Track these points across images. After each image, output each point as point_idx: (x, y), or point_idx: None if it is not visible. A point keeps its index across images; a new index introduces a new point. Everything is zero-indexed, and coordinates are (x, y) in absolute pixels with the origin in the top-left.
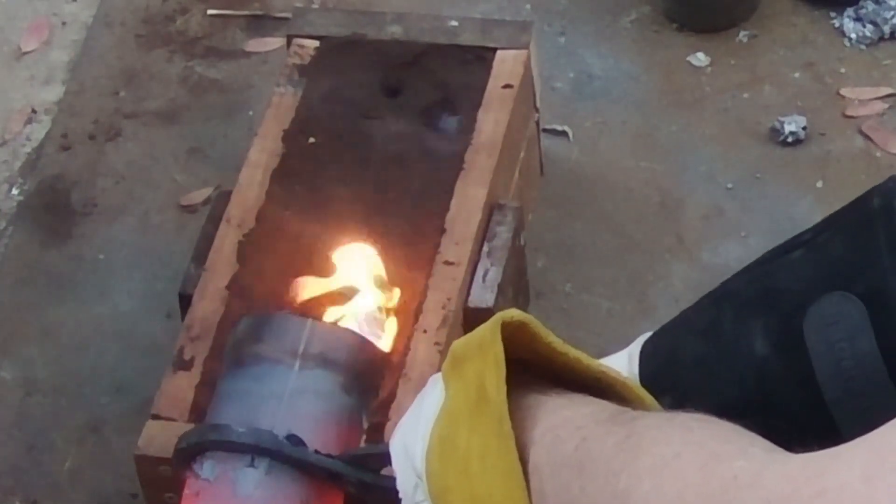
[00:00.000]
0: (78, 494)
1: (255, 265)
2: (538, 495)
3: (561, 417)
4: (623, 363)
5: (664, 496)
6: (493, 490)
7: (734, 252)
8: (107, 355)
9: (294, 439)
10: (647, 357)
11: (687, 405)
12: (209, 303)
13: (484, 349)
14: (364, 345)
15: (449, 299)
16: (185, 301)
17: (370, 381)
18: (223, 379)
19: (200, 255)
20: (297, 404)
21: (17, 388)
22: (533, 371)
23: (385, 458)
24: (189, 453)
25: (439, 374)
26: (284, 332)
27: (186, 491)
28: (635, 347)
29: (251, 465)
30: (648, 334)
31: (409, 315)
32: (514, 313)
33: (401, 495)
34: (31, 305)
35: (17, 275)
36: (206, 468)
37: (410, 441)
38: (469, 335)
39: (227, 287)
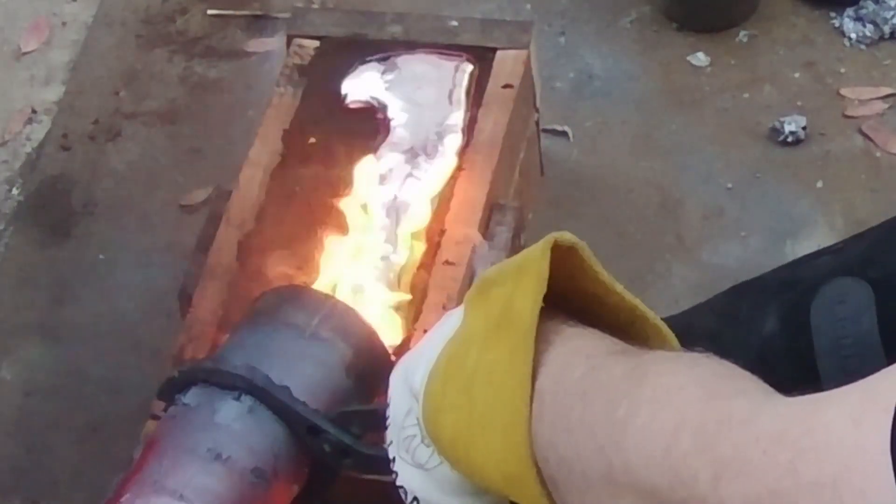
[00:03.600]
0: (78, 494)
1: (255, 265)
2: (537, 419)
3: (574, 346)
4: None
5: (661, 427)
6: (493, 407)
7: (734, 252)
8: (107, 355)
9: (285, 389)
10: None
11: None
12: (209, 303)
13: (524, 267)
14: (376, 339)
15: (449, 299)
16: (185, 301)
17: (372, 374)
18: (232, 333)
19: (200, 255)
20: (298, 365)
21: (17, 388)
22: (561, 302)
23: (369, 419)
24: (179, 384)
25: (455, 309)
26: (305, 302)
27: (163, 415)
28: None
29: (237, 399)
30: None
31: (409, 315)
32: (567, 236)
33: (388, 422)
34: (31, 305)
35: (17, 275)
36: (190, 396)
37: (413, 366)
38: (507, 260)
39: (227, 287)
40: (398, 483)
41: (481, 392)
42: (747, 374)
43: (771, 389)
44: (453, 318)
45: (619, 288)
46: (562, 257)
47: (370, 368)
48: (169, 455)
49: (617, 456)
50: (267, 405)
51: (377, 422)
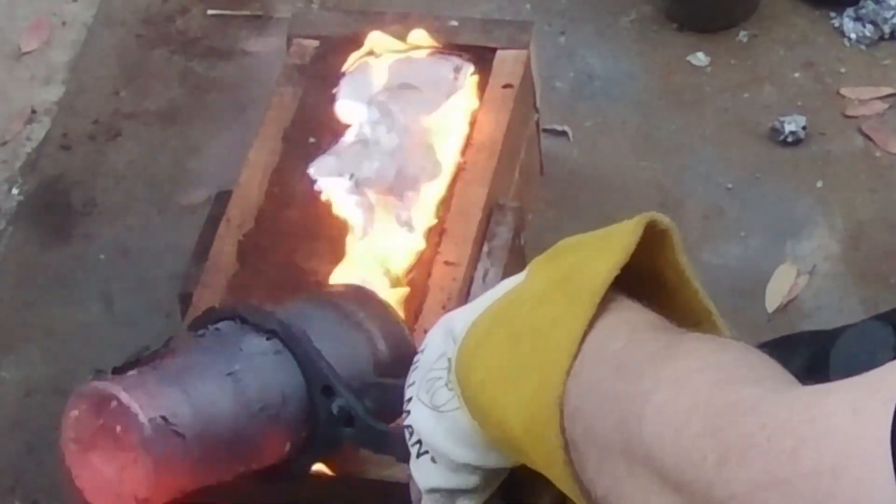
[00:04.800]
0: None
1: (255, 265)
2: (574, 378)
3: (624, 316)
4: None
5: (676, 407)
6: (536, 354)
7: (734, 252)
8: (107, 355)
9: (316, 349)
10: None
11: None
12: (209, 303)
13: (611, 236)
14: (412, 352)
15: (449, 299)
16: (185, 301)
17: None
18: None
19: (200, 255)
20: (333, 342)
21: (17, 388)
22: (631, 285)
23: (384, 396)
24: (215, 316)
25: (512, 276)
26: (360, 297)
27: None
28: None
29: (267, 338)
30: None
31: (409, 315)
32: (663, 218)
33: (415, 365)
34: (31, 305)
35: (17, 275)
36: (223, 325)
37: (458, 315)
38: (590, 232)
39: (227, 287)
40: (406, 422)
41: (528, 339)
42: (771, 361)
43: (791, 378)
44: (508, 281)
45: (697, 285)
46: (649, 240)
47: (396, 375)
48: (185, 357)
49: (636, 431)
50: (293, 353)
51: (390, 400)
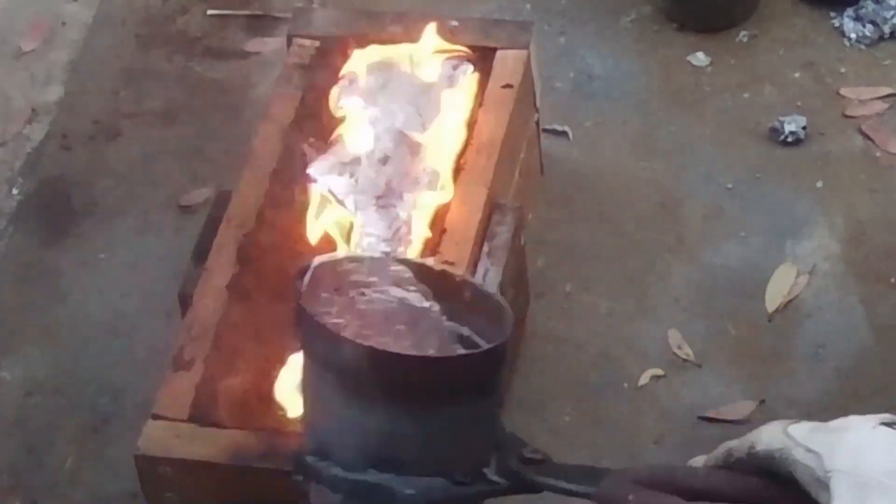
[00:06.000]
0: (78, 494)
1: (255, 265)
2: None
3: None
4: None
5: None
6: None
7: (734, 252)
8: (107, 355)
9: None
10: None
11: None
12: (209, 303)
13: None
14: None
15: None
16: (185, 301)
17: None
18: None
19: (200, 255)
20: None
21: (17, 388)
22: None
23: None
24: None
25: None
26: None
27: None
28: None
29: None
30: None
31: None
32: None
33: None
34: (31, 305)
35: (17, 275)
36: None
37: None
38: None
39: (227, 287)
40: None
41: None
42: None
43: None
44: None
45: None
46: None
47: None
48: None
49: None
50: None
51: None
